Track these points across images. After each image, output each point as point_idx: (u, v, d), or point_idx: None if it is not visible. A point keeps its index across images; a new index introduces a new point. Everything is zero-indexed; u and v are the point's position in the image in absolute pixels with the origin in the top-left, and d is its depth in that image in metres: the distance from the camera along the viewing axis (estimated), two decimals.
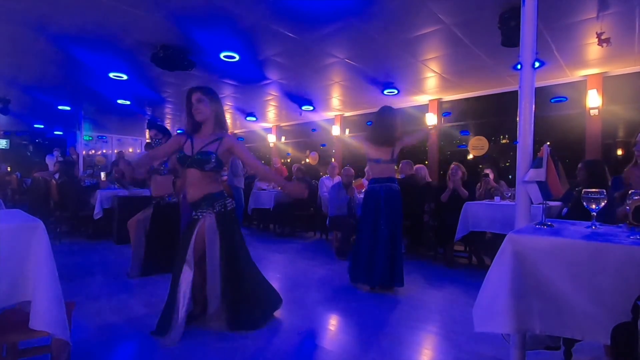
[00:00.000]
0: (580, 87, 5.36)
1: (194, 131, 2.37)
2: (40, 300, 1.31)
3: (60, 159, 8.21)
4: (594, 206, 1.39)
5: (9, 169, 8.00)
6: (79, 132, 8.25)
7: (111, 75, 5.46)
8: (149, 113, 8.61)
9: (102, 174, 6.17)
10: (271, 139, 9.98)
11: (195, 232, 2.28)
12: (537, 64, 1.80)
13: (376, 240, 3.25)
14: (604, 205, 1.39)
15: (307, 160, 9.37)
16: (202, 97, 2.31)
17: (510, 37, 3.44)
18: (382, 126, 3.34)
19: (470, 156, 6.63)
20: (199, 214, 2.33)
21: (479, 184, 4.89)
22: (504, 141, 6.76)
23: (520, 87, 1.61)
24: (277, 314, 2.66)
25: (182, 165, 2.38)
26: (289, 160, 10.06)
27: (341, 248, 4.77)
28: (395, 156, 3.34)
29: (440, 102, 6.87)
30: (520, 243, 1.27)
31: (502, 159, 6.66)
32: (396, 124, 3.34)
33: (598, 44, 3.64)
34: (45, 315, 1.31)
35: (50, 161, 8.90)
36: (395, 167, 3.46)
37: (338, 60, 4.83)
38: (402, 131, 3.45)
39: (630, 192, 1.38)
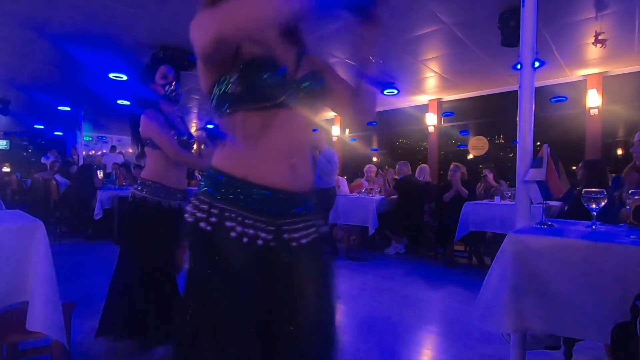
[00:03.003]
0: (580, 86, 5.35)
1: None
2: (37, 302, 1.31)
3: (53, 159, 8.09)
4: (594, 206, 1.39)
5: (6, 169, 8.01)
6: (79, 133, 8.24)
7: (111, 75, 5.46)
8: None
9: (99, 172, 6.06)
10: None
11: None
12: (537, 64, 1.80)
13: None
14: (605, 205, 1.39)
15: None
16: None
17: (510, 37, 3.44)
18: None
19: (470, 156, 6.62)
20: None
21: (479, 183, 4.89)
22: (500, 141, 6.75)
23: (520, 87, 1.60)
24: None
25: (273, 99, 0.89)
26: None
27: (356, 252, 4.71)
28: None
29: (440, 102, 6.87)
30: (521, 243, 1.26)
31: (498, 159, 6.65)
32: None
33: (593, 43, 3.65)
34: (42, 316, 1.31)
35: (46, 162, 8.83)
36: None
37: (337, 60, 4.83)
38: None
39: (630, 191, 1.38)
